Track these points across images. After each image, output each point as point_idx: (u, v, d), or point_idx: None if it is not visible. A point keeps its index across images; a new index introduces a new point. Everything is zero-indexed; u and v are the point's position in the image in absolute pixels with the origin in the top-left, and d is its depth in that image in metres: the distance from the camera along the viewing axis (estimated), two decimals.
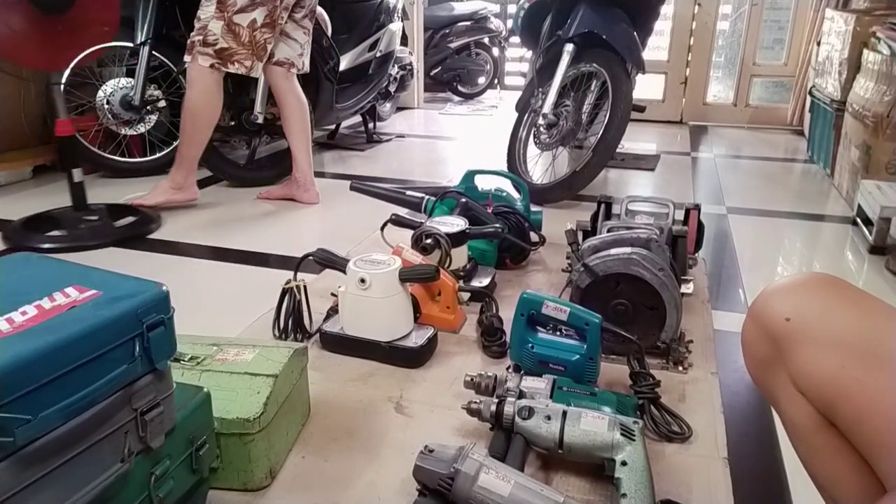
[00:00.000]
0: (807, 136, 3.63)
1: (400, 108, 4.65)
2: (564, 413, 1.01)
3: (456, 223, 1.67)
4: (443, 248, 1.60)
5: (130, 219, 2.27)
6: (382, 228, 1.81)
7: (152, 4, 2.73)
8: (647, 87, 4.19)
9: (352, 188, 2.16)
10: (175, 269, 1.92)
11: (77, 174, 2.16)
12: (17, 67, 2.01)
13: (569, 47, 2.48)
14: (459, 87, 5.30)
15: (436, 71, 5.20)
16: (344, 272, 1.38)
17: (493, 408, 1.07)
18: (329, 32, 3.04)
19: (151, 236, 2.18)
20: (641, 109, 2.96)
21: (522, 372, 1.22)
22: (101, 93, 2.78)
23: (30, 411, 0.60)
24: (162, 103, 2.93)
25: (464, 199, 1.83)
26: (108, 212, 2.29)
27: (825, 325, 0.71)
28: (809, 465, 0.76)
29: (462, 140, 3.98)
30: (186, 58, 2.28)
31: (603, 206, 1.77)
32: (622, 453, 0.96)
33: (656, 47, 4.23)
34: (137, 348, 0.71)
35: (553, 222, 2.05)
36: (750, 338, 0.82)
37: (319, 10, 2.99)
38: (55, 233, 2.17)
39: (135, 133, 2.89)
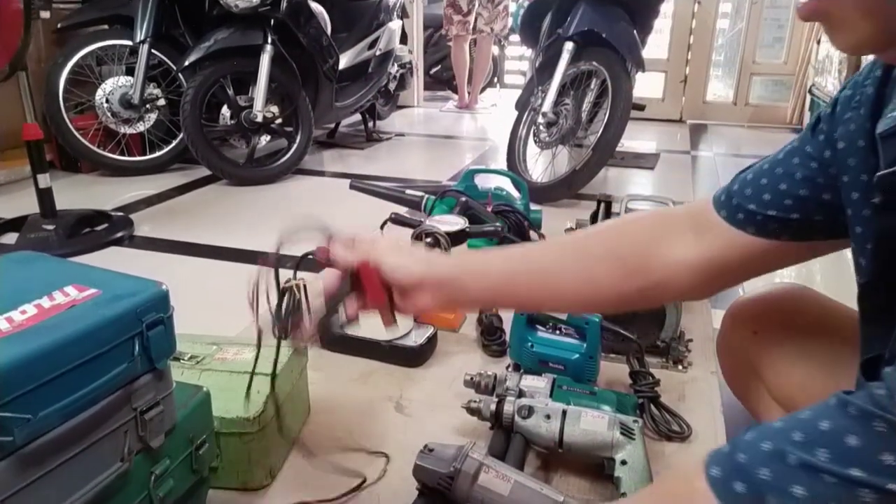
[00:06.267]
0: None
1: (399, 107, 4.64)
2: (564, 412, 1.01)
3: (456, 222, 1.66)
4: (442, 246, 1.60)
5: (101, 226, 2.19)
6: (382, 227, 1.81)
7: (152, 3, 2.74)
8: (646, 86, 4.19)
9: (351, 187, 2.16)
10: (174, 268, 1.92)
11: (43, 180, 2.06)
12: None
13: (568, 46, 2.48)
14: None
15: (435, 69, 5.19)
16: None
17: (493, 407, 1.06)
18: (328, 31, 3.04)
19: (151, 235, 2.18)
20: (641, 108, 2.96)
21: (522, 371, 1.21)
22: (100, 91, 2.78)
23: (29, 410, 0.60)
24: (161, 102, 2.93)
25: (463, 198, 1.82)
26: (73, 222, 2.14)
27: (790, 335, 0.73)
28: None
29: (462, 139, 3.98)
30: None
31: (602, 204, 1.77)
32: (622, 452, 0.96)
33: (656, 46, 4.22)
34: (137, 347, 0.71)
35: (553, 221, 2.05)
36: (723, 353, 0.83)
37: (319, 8, 3.00)
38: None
39: (134, 132, 2.89)
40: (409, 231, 1.68)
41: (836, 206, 0.58)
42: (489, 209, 1.85)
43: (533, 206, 2.06)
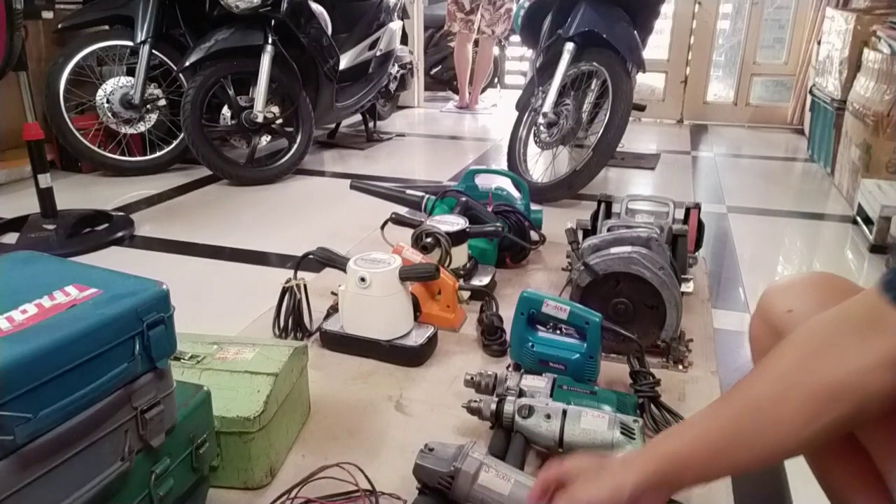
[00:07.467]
0: (807, 135, 3.63)
1: (400, 107, 4.65)
2: (564, 412, 1.01)
3: (456, 222, 1.67)
4: (443, 246, 1.60)
5: (101, 226, 2.18)
6: (382, 227, 1.81)
7: (152, 3, 2.74)
8: (647, 86, 4.19)
9: (352, 187, 2.16)
10: (175, 268, 1.92)
11: (43, 180, 2.06)
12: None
13: (569, 46, 2.48)
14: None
15: (436, 70, 5.19)
16: (344, 271, 1.38)
17: (493, 406, 1.07)
18: (329, 31, 3.04)
19: (151, 235, 2.18)
20: (642, 108, 2.95)
21: (522, 370, 1.22)
22: (101, 91, 2.78)
23: (30, 410, 0.60)
24: (162, 102, 2.93)
25: (464, 198, 1.83)
26: (74, 221, 2.15)
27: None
28: (816, 468, 0.77)
29: (462, 139, 3.98)
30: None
31: (603, 204, 1.77)
32: (622, 452, 0.96)
33: (657, 46, 4.22)
34: (138, 347, 0.71)
35: (553, 221, 2.05)
36: (756, 333, 0.83)
37: (319, 8, 3.00)
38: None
39: (135, 132, 2.89)
40: (410, 231, 1.68)
41: None
42: (490, 209, 1.85)
43: (533, 207, 2.07)
